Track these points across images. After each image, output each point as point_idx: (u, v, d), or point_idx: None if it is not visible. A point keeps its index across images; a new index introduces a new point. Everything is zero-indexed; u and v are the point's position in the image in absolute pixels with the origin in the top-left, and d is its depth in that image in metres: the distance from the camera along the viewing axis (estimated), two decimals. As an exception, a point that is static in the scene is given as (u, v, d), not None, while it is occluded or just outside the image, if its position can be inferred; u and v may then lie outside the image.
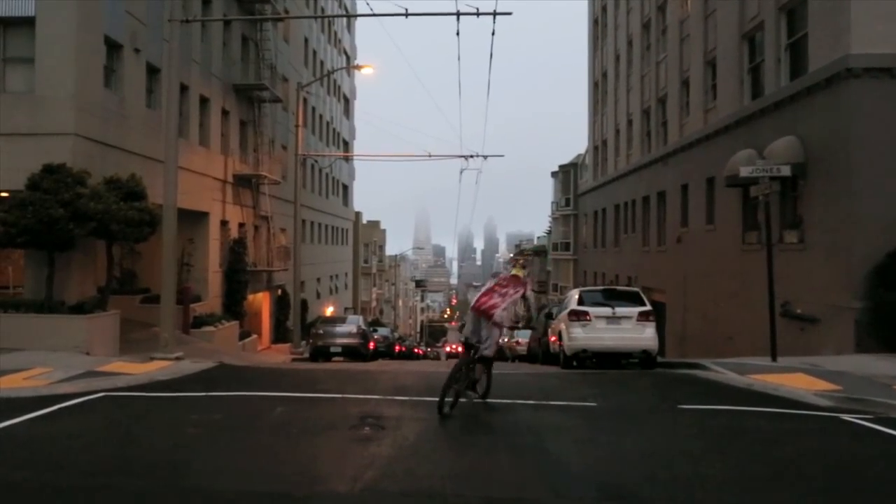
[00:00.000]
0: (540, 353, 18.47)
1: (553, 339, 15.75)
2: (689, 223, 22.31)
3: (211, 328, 19.19)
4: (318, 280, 38.55)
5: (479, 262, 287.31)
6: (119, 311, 13.04)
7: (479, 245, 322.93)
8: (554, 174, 47.46)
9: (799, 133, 15.52)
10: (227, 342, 20.08)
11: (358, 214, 54.13)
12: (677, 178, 23.48)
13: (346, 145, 49.10)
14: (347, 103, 49.48)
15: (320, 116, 39.05)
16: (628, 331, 13.05)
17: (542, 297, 57.65)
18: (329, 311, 39.99)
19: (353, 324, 19.79)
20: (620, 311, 13.09)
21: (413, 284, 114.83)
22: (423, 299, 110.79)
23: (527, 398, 8.17)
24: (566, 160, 46.17)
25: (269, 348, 27.58)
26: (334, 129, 43.18)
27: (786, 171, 12.91)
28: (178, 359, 11.32)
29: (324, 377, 10.72)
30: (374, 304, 59.03)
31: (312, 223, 37.00)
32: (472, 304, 7.68)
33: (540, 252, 57.46)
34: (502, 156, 22.81)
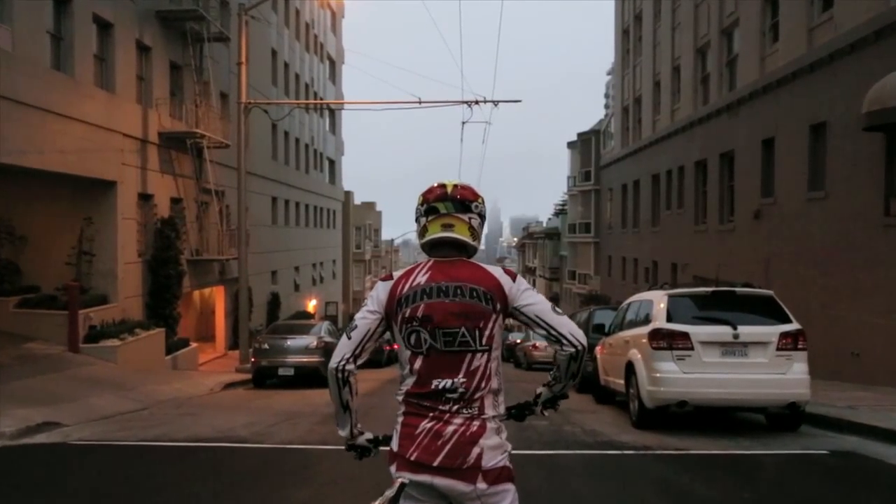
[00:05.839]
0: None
1: (602, 351, 10.13)
2: (776, 191, 16.38)
3: (114, 342, 13.68)
4: (297, 269, 32.91)
5: (482, 247, 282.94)
6: None
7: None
8: (571, 144, 41.47)
9: None
10: (143, 359, 14.53)
11: (348, 194, 48.28)
12: (756, 132, 17.50)
13: (333, 114, 43.18)
14: (333, 66, 43.42)
15: (297, 76, 33.10)
16: (763, 368, 7.32)
17: (553, 286, 51.58)
18: (311, 304, 34.49)
19: (313, 335, 14.10)
20: (747, 332, 7.36)
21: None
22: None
23: None
24: (572, 138, 40.11)
25: (225, 356, 22.06)
26: (315, 93, 37.24)
27: None
28: None
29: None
30: (367, 293, 53.43)
31: (288, 202, 31.30)
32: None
33: (552, 235, 51.68)
34: (519, 101, 16.85)
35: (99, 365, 12.83)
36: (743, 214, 18.00)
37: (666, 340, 7.53)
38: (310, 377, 13.33)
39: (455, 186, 2.16)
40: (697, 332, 7.43)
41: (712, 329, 7.45)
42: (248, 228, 20.97)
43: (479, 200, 2.17)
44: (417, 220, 2.20)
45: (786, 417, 7.59)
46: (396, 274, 2.17)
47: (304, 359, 13.54)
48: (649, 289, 9.91)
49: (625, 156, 31.46)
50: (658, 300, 8.14)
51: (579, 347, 2.09)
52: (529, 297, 2.10)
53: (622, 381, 8.80)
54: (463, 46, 23.75)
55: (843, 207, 13.17)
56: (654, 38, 27.08)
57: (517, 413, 2.26)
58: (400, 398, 2.10)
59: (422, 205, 2.17)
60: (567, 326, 2.10)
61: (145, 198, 17.17)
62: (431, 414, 2.02)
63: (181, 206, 19.08)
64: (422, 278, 2.09)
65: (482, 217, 2.18)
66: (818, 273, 14.06)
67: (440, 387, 2.02)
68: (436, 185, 2.19)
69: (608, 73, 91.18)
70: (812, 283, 14.18)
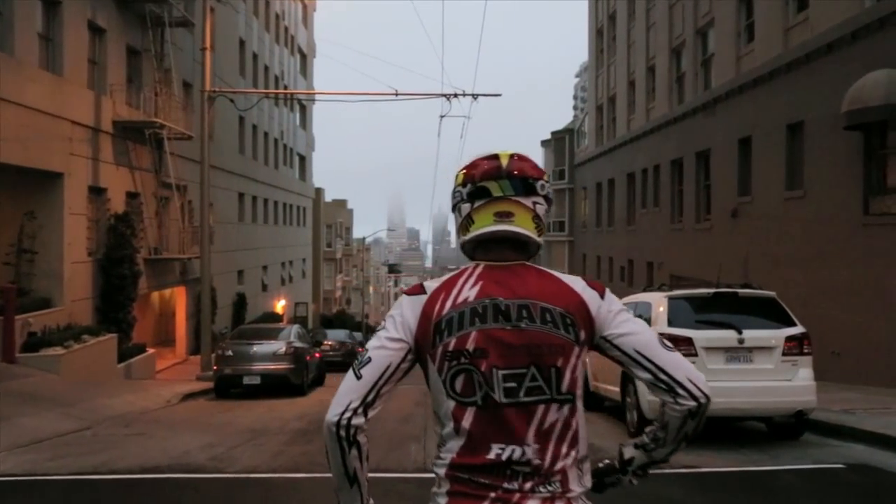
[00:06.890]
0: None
1: (588, 361, 9.52)
2: (753, 190, 16.22)
3: (57, 350, 12.52)
4: (265, 268, 31.76)
5: (453, 245, 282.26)
6: None
7: (453, 228, 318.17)
8: (545, 143, 41.18)
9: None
10: (92, 368, 13.42)
11: (319, 191, 47.12)
12: (732, 131, 17.33)
13: (304, 109, 42.02)
14: (305, 60, 42.22)
15: (266, 68, 31.93)
16: (769, 375, 6.86)
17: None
18: (280, 305, 33.37)
19: (281, 340, 13.18)
20: (752, 336, 6.88)
21: (386, 269, 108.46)
22: (396, 284, 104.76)
23: None
24: (545, 137, 39.85)
25: (186, 362, 20.91)
26: (286, 86, 36.06)
27: None
28: None
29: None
30: (338, 293, 52.34)
31: (256, 198, 30.16)
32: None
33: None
34: (498, 94, 16.11)
35: (38, 377, 11.56)
36: (720, 213, 17.80)
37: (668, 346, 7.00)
38: (278, 386, 12.45)
39: (512, 158, 1.46)
40: (701, 336, 6.91)
41: (716, 333, 6.95)
42: (213, 225, 19.97)
43: (545, 178, 1.49)
44: (456, 207, 1.51)
45: (789, 426, 7.16)
46: (431, 285, 1.46)
47: (272, 366, 12.63)
48: (644, 290, 9.41)
49: (599, 154, 31.26)
50: (657, 302, 7.59)
51: (702, 400, 1.39)
52: (625, 323, 1.43)
53: (616, 388, 8.25)
54: (444, 42, 23.20)
55: (822, 206, 12.99)
56: (629, 37, 26.89)
57: (597, 483, 1.57)
58: (441, 471, 1.39)
59: (463, 185, 1.48)
60: (684, 368, 1.41)
61: (97, 191, 16.01)
62: (493, 494, 1.34)
63: (138, 201, 17.94)
64: (470, 292, 1.41)
65: (549, 202, 1.49)
66: (797, 272, 13.85)
67: (504, 457, 1.34)
68: (482, 157, 1.49)
69: (577, 76, 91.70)
70: (791, 282, 13.96)
